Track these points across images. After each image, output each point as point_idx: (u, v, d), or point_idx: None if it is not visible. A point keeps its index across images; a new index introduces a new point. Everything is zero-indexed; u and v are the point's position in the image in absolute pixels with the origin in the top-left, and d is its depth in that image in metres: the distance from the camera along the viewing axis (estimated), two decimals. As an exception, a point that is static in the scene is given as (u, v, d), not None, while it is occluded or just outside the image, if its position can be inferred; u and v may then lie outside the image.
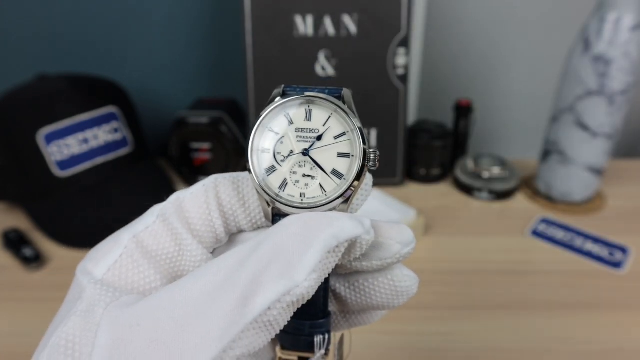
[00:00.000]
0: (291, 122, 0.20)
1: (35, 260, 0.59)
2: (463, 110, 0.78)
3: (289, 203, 0.19)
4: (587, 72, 0.62)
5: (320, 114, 0.20)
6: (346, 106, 0.20)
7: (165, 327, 0.16)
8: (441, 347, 0.48)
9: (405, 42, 0.70)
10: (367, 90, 0.72)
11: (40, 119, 0.64)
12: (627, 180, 0.78)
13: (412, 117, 0.89)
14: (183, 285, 0.17)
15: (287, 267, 0.16)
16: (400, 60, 0.70)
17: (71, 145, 0.66)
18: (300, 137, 0.20)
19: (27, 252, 0.60)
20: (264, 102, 0.72)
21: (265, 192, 0.19)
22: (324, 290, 0.20)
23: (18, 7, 0.80)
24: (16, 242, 0.61)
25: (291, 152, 0.20)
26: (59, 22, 0.82)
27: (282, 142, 0.20)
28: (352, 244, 0.18)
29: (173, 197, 0.20)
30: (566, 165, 0.68)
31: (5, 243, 0.62)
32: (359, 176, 0.19)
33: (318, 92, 0.20)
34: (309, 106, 0.20)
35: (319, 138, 0.20)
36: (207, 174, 0.75)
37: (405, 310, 0.53)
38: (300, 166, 0.20)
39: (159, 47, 0.84)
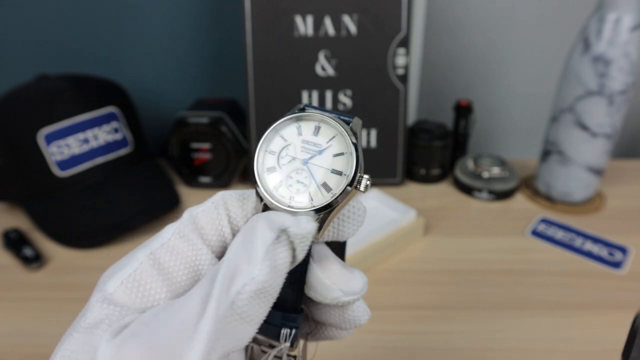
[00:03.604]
0: (300, 134, 0.22)
1: (35, 260, 0.59)
2: (463, 111, 0.78)
3: (278, 201, 0.21)
4: (586, 72, 0.62)
5: (327, 132, 0.22)
6: (352, 132, 0.21)
7: (161, 335, 0.17)
8: (441, 347, 0.48)
9: (405, 43, 0.70)
10: (367, 90, 0.72)
11: (40, 119, 0.65)
12: (627, 180, 0.78)
13: (412, 117, 0.89)
14: (178, 298, 0.18)
15: (247, 260, 0.17)
16: (400, 60, 0.71)
17: (71, 145, 0.66)
18: (305, 148, 0.22)
19: (28, 252, 0.60)
20: (264, 102, 0.72)
21: (261, 184, 0.21)
22: (293, 288, 0.21)
23: (18, 8, 0.80)
24: (16, 242, 0.61)
25: (293, 158, 0.22)
26: (59, 22, 0.82)
27: (287, 148, 0.22)
28: (293, 237, 0.18)
29: (186, 214, 0.21)
30: (566, 165, 0.68)
31: (5, 243, 0.62)
32: (344, 194, 0.21)
33: (331, 113, 0.22)
34: (319, 124, 0.22)
35: (320, 153, 0.22)
36: (207, 174, 0.75)
37: (406, 310, 0.53)
38: (297, 173, 0.22)
39: (159, 47, 0.84)
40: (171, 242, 0.20)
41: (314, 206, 0.21)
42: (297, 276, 0.21)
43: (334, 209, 0.21)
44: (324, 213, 0.21)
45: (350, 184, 0.21)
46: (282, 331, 0.21)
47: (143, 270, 0.20)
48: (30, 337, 0.49)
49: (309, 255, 0.21)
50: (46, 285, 0.57)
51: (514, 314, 0.52)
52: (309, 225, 0.19)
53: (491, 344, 0.48)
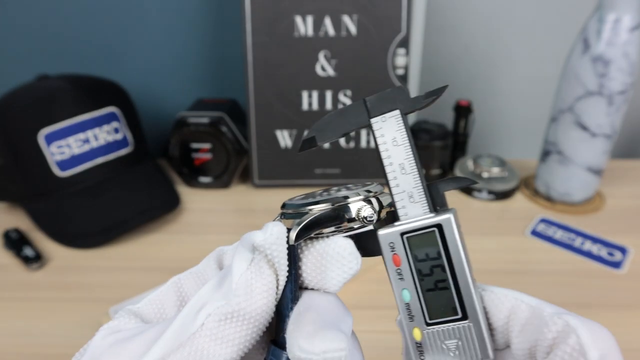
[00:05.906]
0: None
1: (35, 260, 0.59)
2: (463, 111, 0.79)
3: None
4: (586, 73, 0.62)
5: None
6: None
7: (135, 343, 0.18)
8: (441, 347, 0.48)
9: (405, 43, 0.70)
10: (367, 90, 0.72)
11: (41, 119, 0.65)
12: (626, 180, 0.78)
13: (412, 117, 0.89)
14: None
15: (227, 286, 0.18)
16: (400, 60, 0.71)
17: (72, 146, 0.66)
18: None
19: (28, 251, 0.60)
20: (264, 102, 0.72)
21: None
22: (281, 321, 0.19)
23: (19, 9, 0.80)
24: (17, 242, 0.61)
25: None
26: (60, 22, 0.82)
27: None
28: (263, 249, 0.18)
29: (217, 249, 0.23)
30: (565, 165, 0.68)
31: (6, 243, 0.62)
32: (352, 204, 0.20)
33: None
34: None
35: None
36: (208, 174, 0.75)
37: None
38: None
39: (159, 47, 0.84)
40: (197, 270, 0.22)
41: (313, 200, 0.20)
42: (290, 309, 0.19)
43: (337, 206, 0.20)
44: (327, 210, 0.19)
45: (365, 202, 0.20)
46: None
47: (167, 291, 0.22)
48: (30, 337, 0.49)
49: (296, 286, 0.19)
50: (46, 285, 0.57)
51: (513, 313, 0.52)
52: (275, 229, 0.18)
53: (491, 344, 0.48)
